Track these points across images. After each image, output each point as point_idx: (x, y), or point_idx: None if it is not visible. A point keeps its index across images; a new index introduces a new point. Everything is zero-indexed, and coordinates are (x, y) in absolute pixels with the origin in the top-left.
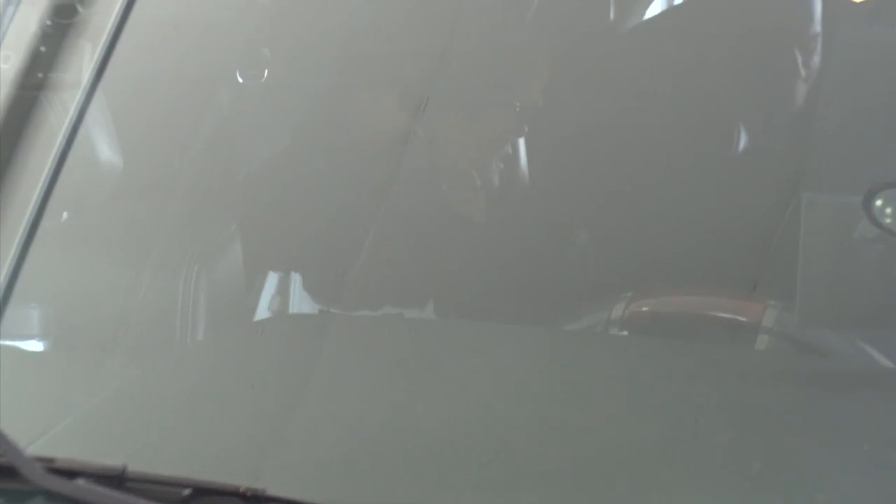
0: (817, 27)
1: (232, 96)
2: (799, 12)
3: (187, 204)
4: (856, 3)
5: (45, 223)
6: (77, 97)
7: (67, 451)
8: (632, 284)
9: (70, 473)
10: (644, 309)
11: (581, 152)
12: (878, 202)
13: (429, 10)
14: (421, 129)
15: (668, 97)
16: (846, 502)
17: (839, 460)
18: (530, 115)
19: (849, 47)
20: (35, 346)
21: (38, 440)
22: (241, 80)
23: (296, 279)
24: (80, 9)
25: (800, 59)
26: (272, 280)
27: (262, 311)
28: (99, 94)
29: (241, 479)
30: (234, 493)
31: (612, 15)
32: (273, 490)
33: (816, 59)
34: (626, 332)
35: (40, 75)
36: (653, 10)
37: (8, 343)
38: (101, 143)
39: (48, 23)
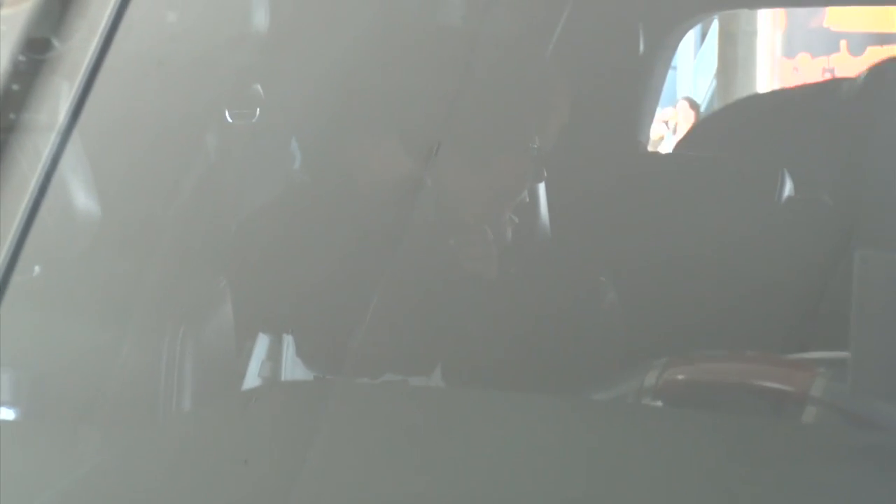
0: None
1: (221, 139)
2: None
3: (172, 258)
4: None
5: (14, 278)
6: (51, 140)
7: None
8: (665, 349)
9: None
10: (679, 377)
11: (607, 203)
12: None
13: (440, 43)
14: (430, 177)
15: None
16: None
17: None
18: (549, 162)
19: None
20: (3, 415)
21: None
22: (230, 119)
23: (291, 342)
24: (55, 43)
25: (849, 110)
26: (265, 343)
27: (255, 378)
28: (75, 136)
29: None
30: None
31: (640, 50)
32: None
33: (867, 109)
34: (659, 403)
35: (11, 116)
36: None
37: None
38: (78, 191)
39: (21, 58)
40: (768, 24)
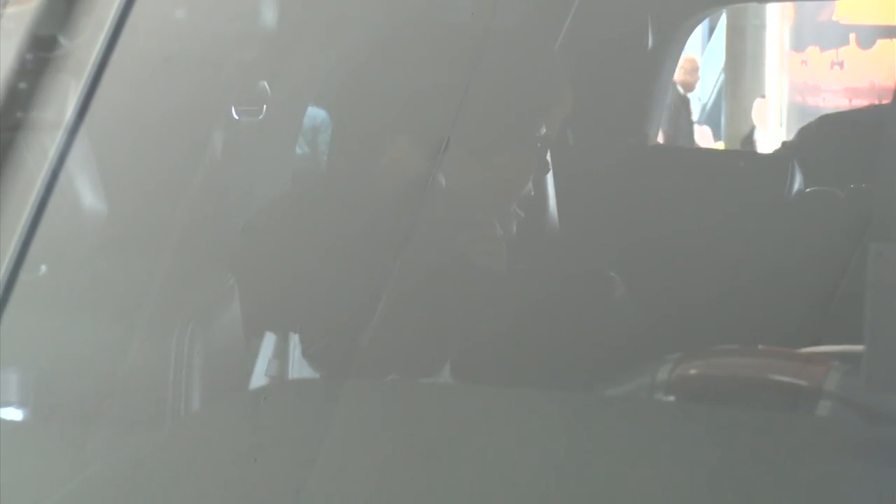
0: None
1: (228, 136)
2: None
3: (179, 256)
4: None
5: (22, 277)
6: (58, 138)
7: None
8: (678, 344)
9: None
10: (692, 372)
11: (615, 197)
12: None
13: (448, 38)
14: (439, 173)
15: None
16: None
17: None
18: (557, 156)
19: None
20: (9, 416)
21: None
22: (237, 116)
23: (300, 341)
24: (62, 41)
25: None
26: (274, 342)
27: (264, 377)
28: (82, 134)
29: None
30: None
31: (649, 44)
32: None
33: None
34: (672, 398)
35: (18, 114)
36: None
37: None
38: (84, 189)
39: (28, 57)
40: (776, 18)
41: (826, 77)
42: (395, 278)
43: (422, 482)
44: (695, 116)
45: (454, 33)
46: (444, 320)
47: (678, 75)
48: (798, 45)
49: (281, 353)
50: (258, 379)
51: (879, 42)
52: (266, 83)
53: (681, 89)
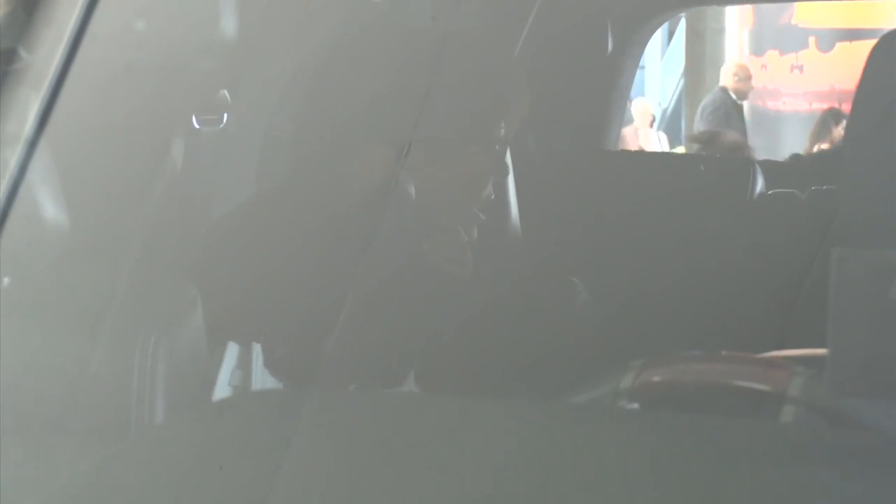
0: None
1: (190, 144)
2: None
3: (142, 266)
4: None
5: None
6: (18, 151)
7: None
8: (641, 350)
9: None
10: (656, 378)
11: (582, 201)
12: None
13: (409, 43)
14: (401, 177)
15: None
16: None
17: None
18: (520, 159)
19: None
20: None
21: None
22: (197, 125)
23: (263, 350)
24: (23, 54)
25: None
26: (238, 352)
27: (228, 387)
28: (43, 146)
29: None
30: None
31: (609, 47)
32: None
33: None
34: (635, 405)
35: None
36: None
37: None
38: (46, 201)
39: None
40: (736, 22)
41: (786, 81)
42: (357, 283)
43: (384, 490)
44: (748, 123)
45: (415, 37)
46: (406, 329)
47: (731, 83)
48: (758, 48)
49: (246, 363)
50: (224, 389)
51: (839, 45)
52: (227, 91)
53: (734, 96)
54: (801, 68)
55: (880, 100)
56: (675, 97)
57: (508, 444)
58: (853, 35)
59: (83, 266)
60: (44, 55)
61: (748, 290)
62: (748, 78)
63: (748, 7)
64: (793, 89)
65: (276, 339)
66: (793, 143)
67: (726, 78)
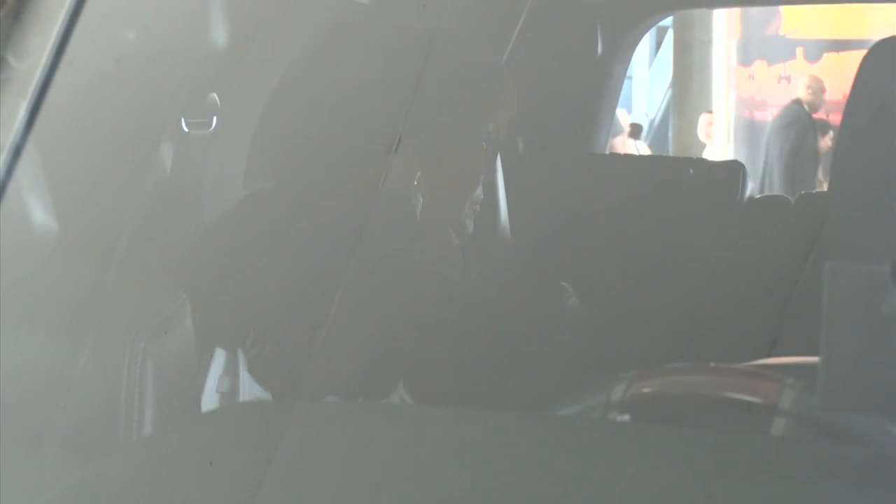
0: None
1: (177, 148)
2: None
3: (130, 269)
4: None
5: None
6: (5, 154)
7: None
8: (632, 362)
9: None
10: (646, 390)
11: (571, 204)
12: None
13: (398, 38)
14: (392, 178)
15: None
16: None
17: None
18: (509, 162)
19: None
20: None
21: None
22: (186, 129)
23: (254, 356)
24: (12, 62)
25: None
26: (227, 358)
27: (218, 395)
28: (30, 152)
29: None
30: None
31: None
32: None
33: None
34: (626, 417)
35: None
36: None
37: None
38: (33, 204)
39: None
40: (723, 33)
41: (773, 91)
42: (346, 286)
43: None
44: (822, 134)
45: (404, 36)
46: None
47: (805, 95)
48: (745, 59)
49: (235, 370)
50: (213, 396)
51: (826, 56)
52: (216, 95)
53: (807, 108)
54: (788, 79)
55: (871, 106)
56: (662, 108)
57: (499, 458)
58: (840, 46)
59: (70, 270)
60: (31, 59)
61: (739, 293)
62: (822, 91)
63: (736, 18)
64: (780, 100)
65: (265, 336)
66: None
67: (800, 90)
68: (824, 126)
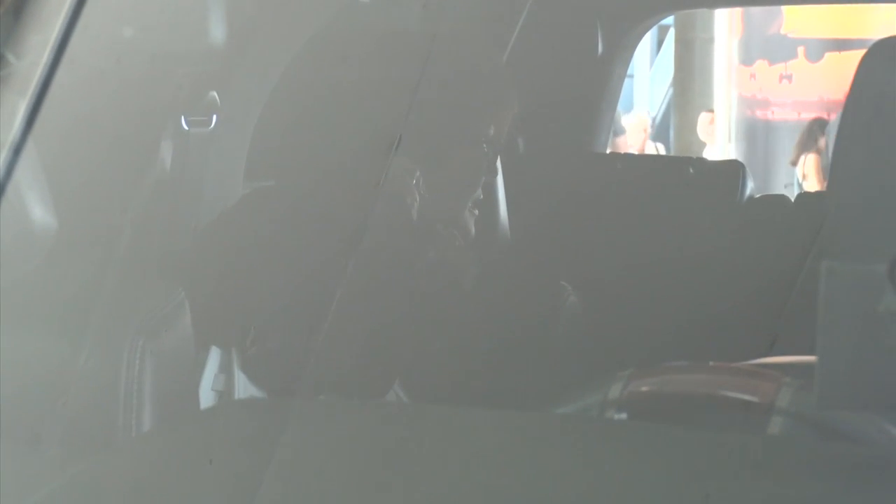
0: None
1: (177, 147)
2: None
3: (129, 268)
4: None
5: None
6: (2, 156)
7: None
8: (630, 360)
9: None
10: (644, 389)
11: (571, 203)
12: None
13: (398, 38)
14: (393, 172)
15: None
16: None
17: None
18: (513, 161)
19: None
20: None
21: None
22: (186, 127)
23: (253, 354)
24: (12, 60)
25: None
26: (226, 356)
27: (216, 393)
28: (29, 151)
29: None
30: None
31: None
32: None
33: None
34: (623, 416)
35: None
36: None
37: None
38: (32, 203)
39: None
40: (725, 32)
41: (775, 90)
42: (346, 285)
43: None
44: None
45: (405, 37)
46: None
47: None
48: (747, 58)
49: (233, 368)
50: (211, 394)
51: (828, 55)
52: (216, 93)
53: None
54: (790, 78)
55: (871, 106)
56: (663, 107)
57: (497, 456)
58: (842, 45)
59: (69, 267)
60: (31, 57)
61: (738, 292)
62: None
63: (738, 17)
64: (782, 99)
65: (264, 335)
66: (781, 152)
67: None
68: (823, 125)
